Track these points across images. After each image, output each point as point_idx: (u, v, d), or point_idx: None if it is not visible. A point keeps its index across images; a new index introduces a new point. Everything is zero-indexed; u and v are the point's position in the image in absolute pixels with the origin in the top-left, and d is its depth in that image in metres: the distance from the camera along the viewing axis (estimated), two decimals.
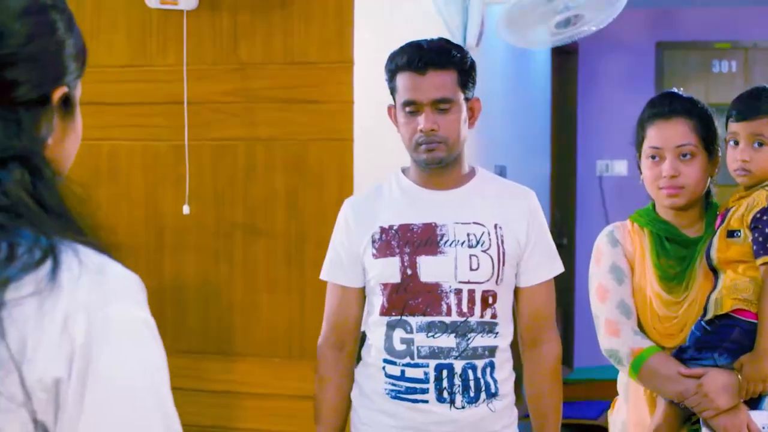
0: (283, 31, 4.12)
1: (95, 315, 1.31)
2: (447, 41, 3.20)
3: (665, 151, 3.15)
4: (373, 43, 4.17)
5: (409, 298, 3.12)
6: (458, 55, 3.13)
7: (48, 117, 1.41)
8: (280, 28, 4.12)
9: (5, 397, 1.24)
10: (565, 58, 8.77)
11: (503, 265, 3.13)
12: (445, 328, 3.10)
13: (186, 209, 4.19)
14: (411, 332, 3.11)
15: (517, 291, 3.23)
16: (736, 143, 3.11)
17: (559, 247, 8.32)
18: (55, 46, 1.43)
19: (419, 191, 3.21)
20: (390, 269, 3.13)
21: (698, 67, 8.99)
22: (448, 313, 3.10)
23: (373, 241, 3.17)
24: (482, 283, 3.11)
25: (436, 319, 3.10)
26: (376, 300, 3.18)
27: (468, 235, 3.12)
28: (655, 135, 3.19)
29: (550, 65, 8.32)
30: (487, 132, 5.79)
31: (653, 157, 3.18)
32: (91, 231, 1.44)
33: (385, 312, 3.15)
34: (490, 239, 3.13)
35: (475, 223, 3.14)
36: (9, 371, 1.24)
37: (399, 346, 3.13)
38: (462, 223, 3.14)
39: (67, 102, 1.45)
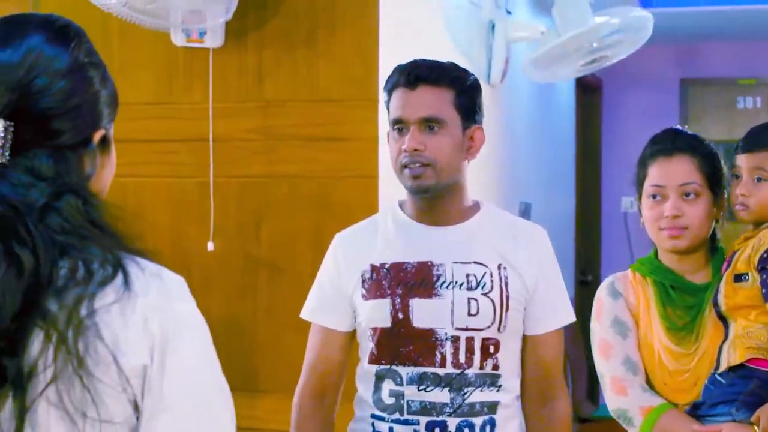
0: (308, 69, 4.14)
1: (165, 313, 1.64)
2: (454, 64, 2.92)
3: (667, 189, 2.97)
4: None
5: (400, 345, 2.79)
6: (456, 74, 2.84)
7: (90, 156, 1.68)
8: (305, 65, 4.14)
9: (109, 385, 1.55)
10: (589, 94, 8.77)
11: (507, 310, 2.80)
12: (439, 381, 2.76)
13: (210, 246, 4.20)
14: (401, 384, 2.79)
15: (523, 339, 2.91)
16: (738, 177, 2.97)
17: (584, 284, 8.28)
18: (92, 97, 1.69)
19: (415, 227, 2.88)
20: (380, 312, 2.81)
21: (722, 103, 8.98)
22: (442, 364, 2.76)
23: (363, 281, 2.86)
24: (482, 330, 2.78)
25: (429, 370, 2.77)
26: (365, 346, 2.88)
27: (467, 276, 2.79)
28: (657, 173, 3.00)
29: (575, 101, 8.32)
30: (511, 169, 5.80)
31: (654, 197, 3.00)
32: (134, 242, 1.70)
33: (374, 360, 2.85)
34: (492, 281, 2.80)
35: (476, 263, 2.81)
36: (109, 364, 1.54)
37: (388, 400, 2.82)
38: (461, 263, 2.81)
39: (103, 140, 1.71)
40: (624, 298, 3.05)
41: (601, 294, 3.09)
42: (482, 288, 2.80)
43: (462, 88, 2.82)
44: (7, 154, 1.58)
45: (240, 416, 4.38)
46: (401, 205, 2.94)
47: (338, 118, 4.09)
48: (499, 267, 2.82)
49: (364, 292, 2.85)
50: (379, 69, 4.05)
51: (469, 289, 2.79)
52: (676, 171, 2.99)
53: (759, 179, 2.92)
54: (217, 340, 4.45)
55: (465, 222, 2.89)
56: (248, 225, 4.23)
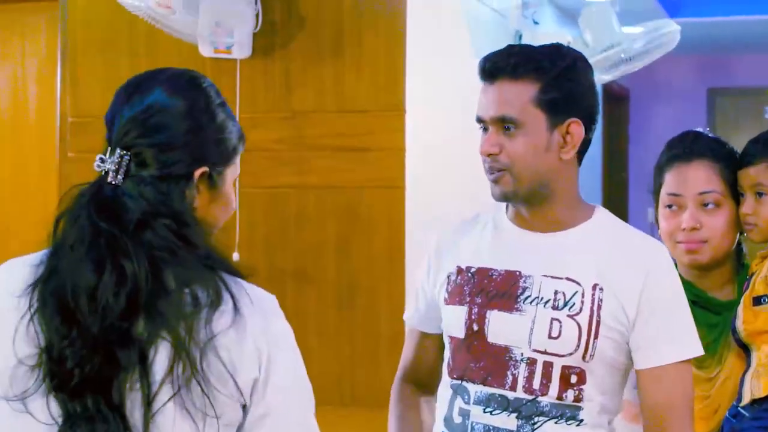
0: (335, 79, 4.14)
1: (268, 333, 1.92)
2: (552, 46, 2.52)
3: (685, 199, 2.70)
4: (424, 91, 4.19)
5: (471, 359, 2.49)
6: (543, 63, 2.44)
7: (191, 189, 1.94)
8: (332, 76, 4.15)
9: (227, 396, 1.84)
10: (616, 104, 8.76)
11: (595, 337, 2.40)
12: (506, 405, 2.44)
13: (236, 256, 4.20)
14: (468, 403, 2.48)
15: (637, 375, 2.48)
16: (743, 196, 2.72)
17: None
18: (196, 139, 1.95)
19: (511, 231, 2.54)
20: (456, 320, 2.52)
21: (750, 113, 8.95)
22: (513, 387, 2.43)
23: (448, 283, 2.57)
24: (563, 356, 2.40)
25: (497, 391, 2.45)
26: (446, 355, 2.60)
27: (556, 293, 2.43)
28: (673, 180, 2.73)
29: (602, 111, 8.29)
30: None
31: (670, 207, 2.73)
32: (229, 263, 1.95)
33: (450, 372, 2.55)
34: (582, 302, 2.41)
35: (568, 279, 2.44)
36: (227, 380, 1.83)
37: (456, 419, 2.52)
38: (552, 277, 2.45)
39: (209, 177, 1.96)
40: None
41: None
42: (569, 309, 2.42)
43: (550, 80, 2.43)
44: (120, 177, 1.89)
45: None
46: (508, 205, 2.59)
47: (365, 128, 4.09)
48: (594, 287, 2.43)
49: (446, 295, 2.57)
50: (405, 79, 4.05)
51: (555, 308, 2.43)
52: (694, 178, 2.72)
53: (760, 194, 2.67)
54: None
55: (567, 230, 2.51)
56: (275, 235, 4.23)
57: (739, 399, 2.60)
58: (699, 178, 2.71)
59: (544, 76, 2.42)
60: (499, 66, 2.43)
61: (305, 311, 4.18)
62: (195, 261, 1.88)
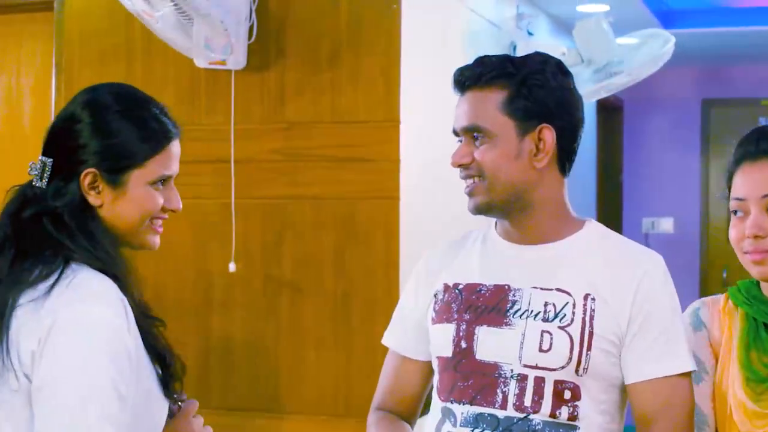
0: (330, 91, 4.15)
1: (61, 311, 2.00)
2: (526, 55, 2.45)
3: (749, 203, 2.33)
4: (420, 103, 4.20)
5: (458, 378, 2.36)
6: (510, 69, 2.36)
7: (73, 190, 2.13)
8: (327, 87, 4.15)
9: (14, 361, 2.00)
10: (610, 115, 8.77)
11: (588, 349, 2.28)
12: (496, 425, 2.30)
13: (232, 267, 4.21)
14: (455, 425, 2.35)
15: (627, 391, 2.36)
16: (736, 213, 2.40)
17: None
18: (84, 145, 2.14)
19: (500, 245, 2.45)
20: (443, 339, 2.40)
21: (745, 123, 8.91)
22: (503, 406, 2.30)
23: (435, 302, 2.46)
24: (554, 370, 2.28)
25: (486, 410, 2.31)
26: (435, 377, 2.47)
27: (546, 304, 2.32)
28: (739, 183, 2.36)
29: (596, 122, 8.32)
30: None
31: (736, 212, 2.36)
32: (111, 259, 2.12)
33: (438, 395, 2.42)
34: (574, 313, 2.30)
35: (558, 290, 2.33)
36: (11, 346, 2.00)
37: None
38: (541, 289, 2.34)
39: (110, 179, 2.14)
40: (707, 330, 2.45)
41: (683, 323, 2.42)
42: (560, 320, 2.30)
43: (516, 86, 2.35)
44: (38, 181, 2.17)
45: None
46: (497, 221, 2.50)
47: (360, 139, 4.10)
48: (585, 297, 2.32)
49: (433, 314, 2.46)
50: (400, 90, 4.06)
51: (545, 320, 2.31)
52: (761, 179, 2.34)
53: None
54: (239, 361, 4.49)
55: (556, 242, 2.41)
56: (270, 246, 4.23)
57: None
58: (764, 179, 2.33)
59: (511, 82, 2.35)
60: (467, 76, 2.41)
61: (301, 322, 4.18)
62: (51, 247, 2.09)
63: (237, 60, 4.14)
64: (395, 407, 2.57)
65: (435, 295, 2.47)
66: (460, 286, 2.43)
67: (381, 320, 4.06)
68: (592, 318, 2.30)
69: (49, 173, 2.15)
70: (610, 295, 2.32)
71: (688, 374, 2.34)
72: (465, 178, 2.40)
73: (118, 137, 2.15)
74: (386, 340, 2.62)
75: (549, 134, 2.35)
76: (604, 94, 5.54)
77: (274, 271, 4.22)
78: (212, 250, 4.30)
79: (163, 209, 2.26)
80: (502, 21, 5.09)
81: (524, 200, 2.38)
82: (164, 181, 2.24)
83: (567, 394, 2.29)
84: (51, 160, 2.15)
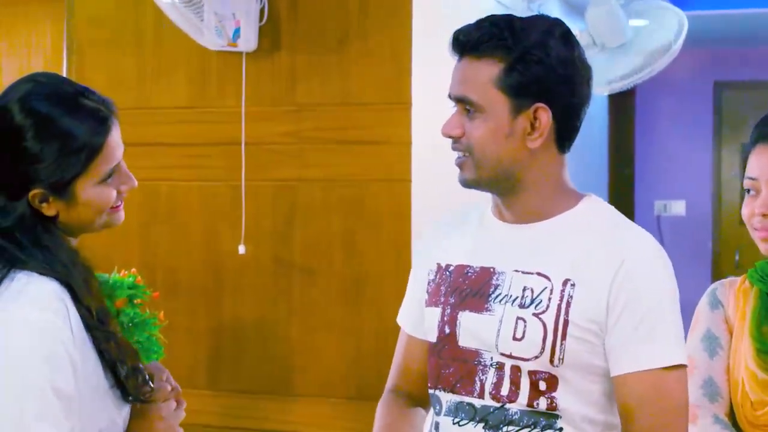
0: (340, 73, 4.14)
1: None
2: (527, 19, 2.24)
3: (761, 182, 2.37)
4: (430, 84, 4.18)
5: (442, 365, 2.28)
6: (509, 41, 2.16)
7: (22, 207, 2.11)
8: (337, 69, 4.14)
9: None
10: (622, 98, 8.73)
11: (563, 338, 2.14)
12: (473, 414, 2.22)
13: (242, 249, 4.21)
14: (439, 414, 2.29)
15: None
16: (749, 192, 2.45)
17: None
18: (14, 167, 2.10)
19: (492, 224, 2.32)
20: (430, 323, 2.32)
21: (757, 106, 8.90)
22: (480, 395, 2.21)
23: (428, 283, 2.37)
24: (528, 360, 2.16)
25: (465, 399, 2.23)
26: None
27: (524, 289, 2.19)
28: (752, 162, 2.40)
29: (608, 105, 8.29)
30: None
31: (749, 191, 2.39)
32: (64, 268, 2.09)
33: (428, 380, 2.35)
34: (550, 299, 2.16)
35: (539, 274, 2.19)
36: None
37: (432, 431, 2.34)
38: (522, 273, 2.20)
39: (61, 192, 2.11)
40: (723, 309, 2.48)
41: (701, 302, 2.51)
42: (535, 306, 2.17)
43: (513, 60, 2.16)
44: None
45: (274, 420, 4.42)
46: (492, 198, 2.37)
47: (371, 121, 4.09)
48: (564, 282, 2.16)
49: (426, 296, 2.36)
50: (411, 72, 4.05)
51: (522, 306, 2.18)
52: None
53: None
54: (250, 344, 4.49)
55: (544, 221, 2.25)
56: (280, 228, 4.23)
57: None
58: None
59: (508, 55, 2.16)
60: (464, 41, 2.21)
61: (311, 305, 4.18)
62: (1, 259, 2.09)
63: (248, 42, 4.13)
64: (406, 386, 2.48)
65: (428, 275, 2.37)
66: (451, 268, 2.32)
67: (391, 303, 4.05)
68: (568, 305, 2.14)
69: None
70: (590, 279, 2.15)
71: (675, 367, 2.13)
72: (454, 150, 2.26)
73: (60, 153, 2.11)
74: (399, 317, 2.52)
75: (545, 114, 2.17)
76: (624, 88, 5.50)
77: (285, 254, 4.22)
78: (223, 233, 4.30)
79: (119, 194, 2.21)
80: (513, 2, 5.06)
81: (514, 179, 2.23)
82: (114, 168, 2.18)
83: (542, 385, 2.16)
84: None
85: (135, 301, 3.65)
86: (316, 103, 4.18)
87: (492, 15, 2.24)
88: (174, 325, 4.00)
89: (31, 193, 2.11)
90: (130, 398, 2.15)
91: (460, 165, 2.25)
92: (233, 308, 4.30)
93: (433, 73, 4.23)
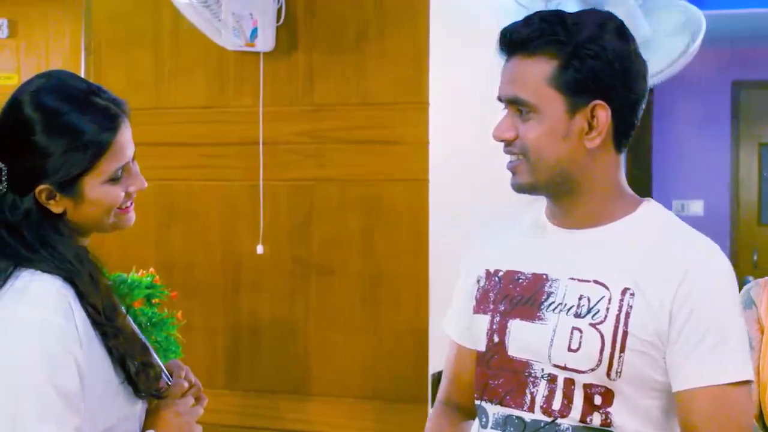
0: (358, 73, 4.14)
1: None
2: (579, 14, 2.14)
3: None
4: (448, 84, 4.18)
5: (490, 376, 2.18)
6: (562, 36, 2.06)
7: (28, 202, 2.11)
8: (355, 69, 4.14)
9: None
10: None
11: (621, 350, 2.03)
12: (523, 429, 2.11)
13: (260, 249, 4.21)
14: (486, 426, 2.19)
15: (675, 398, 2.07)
16: None
17: None
18: (23, 163, 2.11)
19: (545, 228, 2.22)
20: (479, 331, 2.22)
21: None
22: (530, 408, 2.10)
23: (477, 289, 2.27)
24: (583, 372, 2.05)
25: (515, 412, 2.13)
26: None
27: (580, 298, 2.08)
28: None
29: None
30: None
31: None
32: (69, 266, 2.08)
33: (475, 390, 2.25)
34: (608, 309, 2.04)
35: (596, 282, 2.08)
36: None
37: None
38: (578, 280, 2.10)
39: (64, 190, 2.11)
40: (756, 308, 2.46)
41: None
42: (592, 316, 2.06)
43: (568, 56, 2.06)
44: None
45: (291, 419, 4.42)
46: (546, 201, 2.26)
47: (388, 121, 4.09)
48: (624, 291, 2.06)
49: (474, 303, 2.26)
50: (429, 71, 4.04)
51: (577, 315, 2.07)
52: None
53: None
54: (267, 343, 4.48)
55: (602, 226, 2.15)
56: (298, 228, 4.23)
57: None
58: None
59: (562, 51, 2.06)
60: (514, 39, 2.10)
61: (329, 304, 4.18)
62: (6, 255, 2.09)
63: (265, 42, 4.13)
64: (457, 397, 2.38)
65: (477, 281, 2.27)
66: (500, 273, 2.22)
67: (409, 302, 4.07)
68: (627, 315, 2.03)
69: (6, 177, 2.14)
70: (652, 289, 2.03)
71: (742, 383, 2.02)
72: (507, 153, 2.14)
73: (67, 148, 2.11)
74: (444, 325, 2.42)
75: (603, 112, 2.07)
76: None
77: (302, 254, 4.22)
78: (240, 232, 4.31)
79: (128, 194, 2.20)
80: (531, 1, 5.06)
81: (572, 182, 2.12)
82: (123, 168, 2.17)
83: (597, 400, 2.05)
84: (5, 166, 2.13)
85: (153, 301, 3.66)
86: (333, 103, 4.18)
87: (540, 11, 2.14)
88: (192, 325, 4.01)
89: (37, 189, 2.10)
90: (142, 394, 2.14)
91: (513, 169, 2.13)
92: (251, 308, 4.30)
93: (451, 73, 4.24)
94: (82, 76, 4.53)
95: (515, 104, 2.09)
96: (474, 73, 4.33)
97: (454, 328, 2.37)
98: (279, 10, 4.14)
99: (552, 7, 5.26)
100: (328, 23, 4.18)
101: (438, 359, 3.97)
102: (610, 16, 2.13)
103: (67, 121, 2.10)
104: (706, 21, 5.01)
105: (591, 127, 2.08)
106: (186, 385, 2.27)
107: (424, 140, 4.04)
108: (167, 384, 2.25)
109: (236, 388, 4.27)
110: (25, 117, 2.10)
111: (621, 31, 2.12)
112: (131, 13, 4.46)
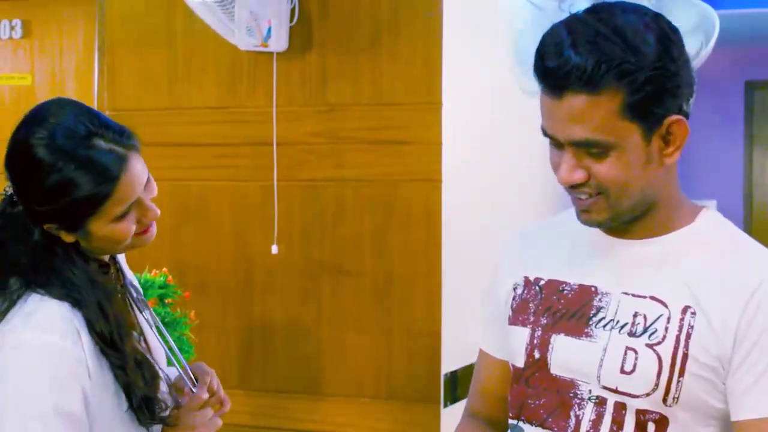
0: (371, 73, 4.14)
1: (6, 336, 2.03)
2: (625, 28, 1.86)
3: None
4: (461, 84, 4.18)
5: (529, 395, 2.03)
6: (630, 63, 1.82)
7: (38, 235, 2.13)
8: (368, 69, 4.14)
9: None
10: None
11: (680, 374, 1.87)
12: None
13: (275, 249, 4.21)
14: None
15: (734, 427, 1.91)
16: None
17: None
18: (33, 201, 2.13)
19: (594, 236, 2.04)
20: (517, 345, 2.06)
21: None
22: None
23: (513, 297, 2.13)
24: (637, 397, 1.90)
25: None
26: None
27: (635, 315, 1.93)
28: None
29: None
30: None
31: None
32: (76, 291, 2.09)
33: (509, 407, 2.11)
34: (667, 328, 1.89)
35: (653, 298, 1.93)
36: None
37: None
38: (633, 296, 1.95)
39: (74, 230, 2.13)
40: None
41: None
42: (649, 336, 1.90)
43: (637, 83, 1.84)
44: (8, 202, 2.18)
45: (303, 419, 4.43)
46: None
47: (402, 121, 4.09)
48: (684, 310, 1.90)
49: (510, 312, 2.11)
50: (442, 72, 4.04)
51: (632, 334, 1.92)
52: None
53: None
54: (281, 343, 4.49)
55: (660, 237, 1.99)
56: (312, 228, 4.23)
57: None
58: None
59: (631, 80, 1.84)
60: (566, 75, 1.84)
61: (342, 305, 4.18)
62: (17, 275, 2.10)
63: (279, 42, 4.13)
64: (487, 411, 2.26)
65: (514, 288, 2.13)
66: (542, 282, 2.07)
67: (422, 303, 4.07)
68: (688, 336, 1.88)
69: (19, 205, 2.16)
70: (715, 309, 1.88)
71: None
72: (578, 193, 1.96)
73: (65, 203, 2.10)
74: (480, 337, 2.28)
75: (680, 126, 1.91)
76: None
77: (315, 254, 4.22)
78: (253, 233, 4.31)
79: (141, 224, 2.21)
80: (544, 2, 5.05)
81: (651, 200, 1.97)
82: (132, 204, 2.17)
83: (651, 427, 1.90)
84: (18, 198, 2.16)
85: (166, 301, 3.67)
86: (347, 103, 4.18)
87: (568, 34, 1.90)
88: (205, 325, 4.01)
89: (46, 225, 2.14)
90: (148, 423, 2.16)
91: (588, 209, 1.96)
92: (264, 308, 4.30)
93: (464, 73, 4.23)
94: (96, 76, 4.55)
95: (586, 147, 1.89)
96: (487, 73, 4.33)
97: (486, 339, 2.25)
98: (292, 10, 4.14)
99: (566, 7, 5.25)
100: (341, 23, 4.18)
101: (450, 359, 3.97)
102: (660, 18, 1.95)
103: (62, 177, 2.08)
104: (720, 20, 5.00)
105: (667, 143, 1.92)
106: (205, 396, 2.29)
107: (437, 141, 4.03)
108: (191, 390, 2.27)
109: (249, 388, 4.27)
110: (29, 164, 2.10)
111: (676, 32, 1.95)
112: (144, 14, 4.46)
